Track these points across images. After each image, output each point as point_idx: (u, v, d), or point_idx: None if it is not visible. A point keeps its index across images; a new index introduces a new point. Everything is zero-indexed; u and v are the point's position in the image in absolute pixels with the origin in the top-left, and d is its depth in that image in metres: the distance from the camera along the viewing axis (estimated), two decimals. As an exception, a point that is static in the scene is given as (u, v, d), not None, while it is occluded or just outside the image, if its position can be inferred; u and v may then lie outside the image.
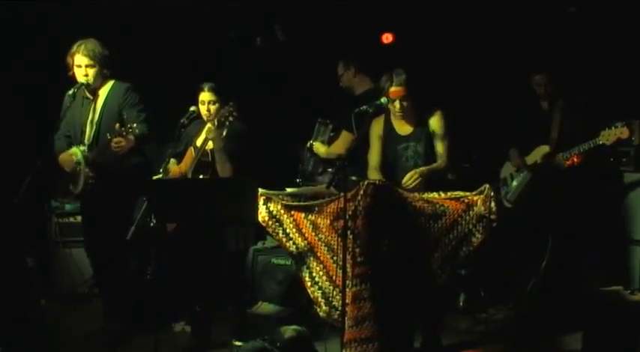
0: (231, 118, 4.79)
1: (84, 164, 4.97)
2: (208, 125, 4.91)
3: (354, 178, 4.61)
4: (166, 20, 6.58)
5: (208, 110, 5.02)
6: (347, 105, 5.59)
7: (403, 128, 4.85)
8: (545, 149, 5.42)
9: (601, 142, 5.05)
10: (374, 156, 4.92)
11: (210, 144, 4.93)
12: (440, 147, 4.74)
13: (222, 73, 5.68)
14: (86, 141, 5.02)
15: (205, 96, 5.04)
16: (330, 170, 5.84)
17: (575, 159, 5.24)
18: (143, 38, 6.46)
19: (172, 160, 5.16)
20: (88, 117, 5.06)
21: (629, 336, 4.35)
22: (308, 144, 5.91)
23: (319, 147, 5.88)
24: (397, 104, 4.70)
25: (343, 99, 5.93)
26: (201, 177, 4.92)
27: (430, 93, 4.94)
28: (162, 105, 5.59)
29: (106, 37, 5.15)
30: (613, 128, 4.98)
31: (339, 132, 5.73)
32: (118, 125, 4.75)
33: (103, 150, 4.91)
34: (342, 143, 5.61)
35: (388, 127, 4.88)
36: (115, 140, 4.73)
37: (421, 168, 4.61)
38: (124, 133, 4.74)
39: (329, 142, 5.90)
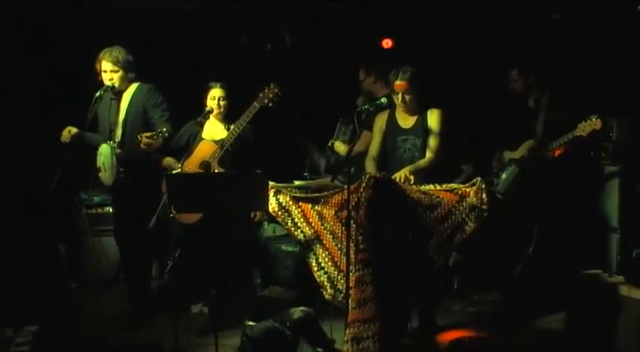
0: (275, 99, 4.81)
1: (115, 160, 5.00)
2: (253, 107, 4.85)
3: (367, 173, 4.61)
4: (179, 24, 6.59)
5: (219, 105, 5.06)
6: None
7: (405, 121, 4.88)
8: (531, 143, 5.44)
9: (578, 134, 5.07)
10: (374, 147, 4.96)
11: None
12: (432, 143, 4.75)
13: (228, 73, 5.66)
14: (116, 139, 5.06)
15: (217, 92, 5.05)
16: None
17: (558, 152, 5.25)
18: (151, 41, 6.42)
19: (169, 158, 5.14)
20: (115, 117, 5.10)
21: (607, 315, 4.38)
22: (329, 143, 5.81)
23: (339, 146, 5.80)
24: (400, 97, 4.76)
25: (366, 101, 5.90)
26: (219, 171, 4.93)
27: (434, 93, 4.94)
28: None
29: (122, 39, 5.20)
30: (588, 120, 5.01)
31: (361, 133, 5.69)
32: (150, 133, 4.79)
33: (131, 148, 4.95)
34: (363, 142, 5.48)
35: (392, 120, 4.92)
36: (145, 141, 4.77)
37: (407, 168, 4.59)
38: (155, 137, 4.78)
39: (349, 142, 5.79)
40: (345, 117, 5.95)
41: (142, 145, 4.80)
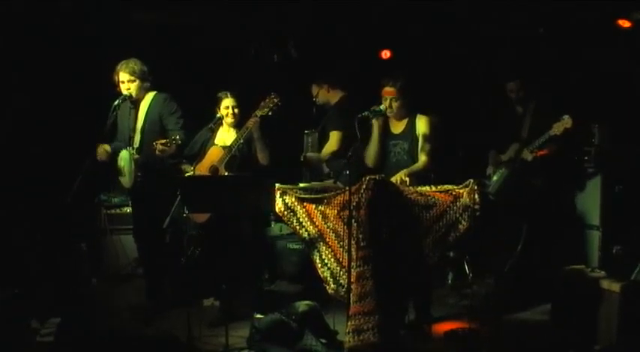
0: (275, 108, 4.86)
1: (134, 165, 5.07)
2: (254, 116, 4.91)
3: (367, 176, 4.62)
4: (191, 37, 6.61)
5: (233, 114, 5.12)
6: (326, 111, 5.67)
7: (396, 127, 4.93)
8: (516, 147, 5.50)
9: (553, 133, 5.16)
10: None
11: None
12: (423, 148, 4.79)
13: (237, 83, 5.69)
14: (134, 146, 5.14)
15: (230, 101, 5.12)
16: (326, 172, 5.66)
17: (540, 153, 5.31)
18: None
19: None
20: (133, 125, 5.17)
21: (589, 307, 4.46)
22: (302, 158, 5.67)
23: (312, 157, 5.74)
24: (387, 102, 4.79)
25: (321, 107, 5.92)
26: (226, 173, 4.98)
27: (424, 100, 4.98)
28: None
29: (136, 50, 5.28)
30: (561, 120, 5.11)
31: (327, 135, 5.63)
32: (164, 141, 4.85)
33: (149, 154, 5.03)
34: (333, 141, 5.54)
35: (386, 125, 4.93)
36: (160, 148, 4.85)
37: (403, 171, 4.65)
38: (169, 144, 4.85)
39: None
40: (308, 128, 5.92)
41: (156, 152, 4.88)
